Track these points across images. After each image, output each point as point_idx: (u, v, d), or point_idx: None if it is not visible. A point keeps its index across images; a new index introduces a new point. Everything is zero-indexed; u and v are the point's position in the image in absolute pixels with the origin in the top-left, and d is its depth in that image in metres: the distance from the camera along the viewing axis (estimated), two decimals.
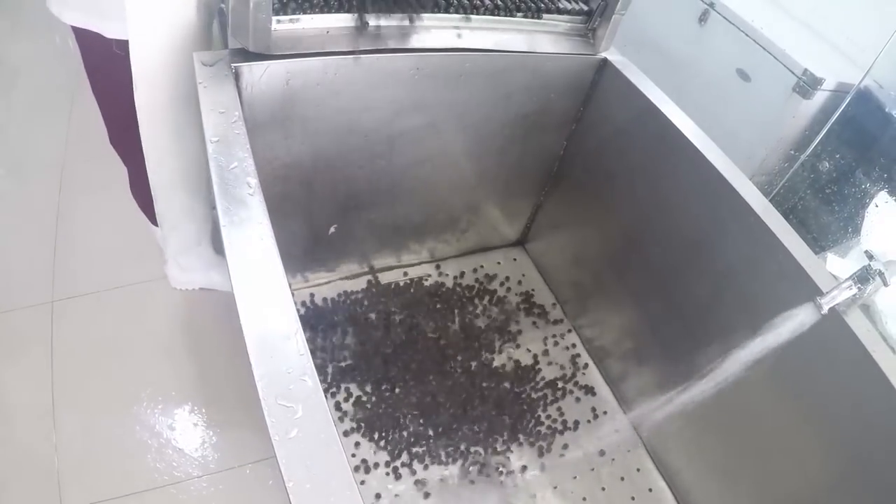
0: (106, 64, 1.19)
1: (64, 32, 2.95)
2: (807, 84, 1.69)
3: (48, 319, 1.63)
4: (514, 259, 1.62)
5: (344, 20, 1.04)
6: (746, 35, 1.85)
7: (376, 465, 1.25)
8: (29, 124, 2.32)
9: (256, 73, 1.01)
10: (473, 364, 1.42)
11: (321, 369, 1.34)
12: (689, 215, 1.18)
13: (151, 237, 1.83)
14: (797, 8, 2.12)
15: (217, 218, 0.77)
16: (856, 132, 1.70)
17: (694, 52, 1.99)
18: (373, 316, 1.45)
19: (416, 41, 1.07)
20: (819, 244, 1.66)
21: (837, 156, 1.72)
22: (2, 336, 1.59)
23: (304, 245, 1.35)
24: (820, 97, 1.71)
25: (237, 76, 1.00)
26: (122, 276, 1.76)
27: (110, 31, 1.12)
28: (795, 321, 0.96)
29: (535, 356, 1.47)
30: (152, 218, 1.57)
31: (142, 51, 1.11)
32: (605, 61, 1.26)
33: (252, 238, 0.74)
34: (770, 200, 1.78)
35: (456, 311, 1.50)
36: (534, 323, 1.53)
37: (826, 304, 0.91)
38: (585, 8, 1.22)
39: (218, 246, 1.71)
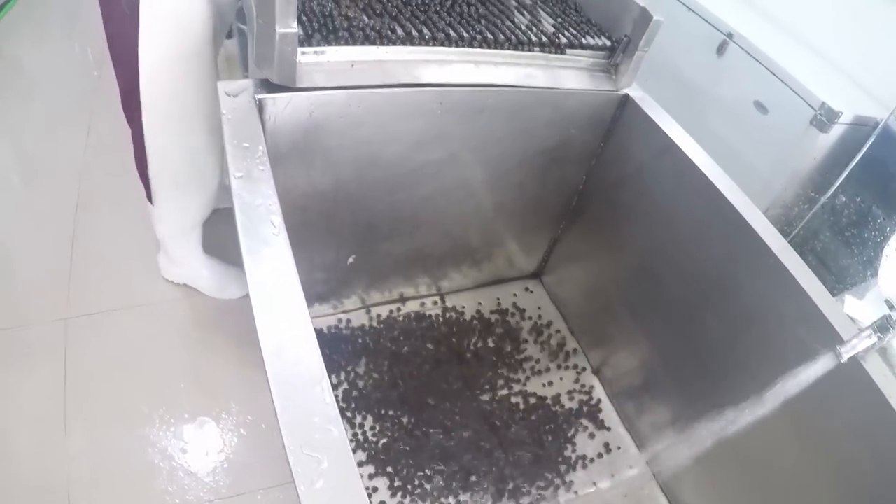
0: (118, 13, 1.25)
1: (83, 41, 3.00)
2: (824, 118, 1.69)
3: (62, 336, 1.63)
4: (531, 291, 1.62)
5: (368, 53, 1.04)
6: (764, 67, 1.85)
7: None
8: (47, 136, 2.34)
9: (280, 105, 1.02)
10: (488, 397, 1.41)
11: (338, 398, 1.34)
12: (707, 254, 1.17)
13: None
14: (814, 37, 2.13)
15: (240, 251, 0.77)
16: (877, 171, 1.69)
17: (712, 84, 1.99)
18: (389, 346, 1.45)
19: (440, 76, 1.07)
20: (837, 286, 1.65)
21: (858, 199, 1.72)
22: (15, 351, 1.59)
23: (322, 274, 1.35)
24: (837, 130, 1.71)
25: (261, 108, 1.00)
26: (138, 295, 1.76)
27: None
28: (813, 366, 0.96)
29: (550, 390, 1.46)
30: (149, 194, 1.59)
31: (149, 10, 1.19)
32: (626, 97, 1.26)
33: (277, 282, 0.74)
34: (789, 241, 1.80)
35: (472, 342, 1.49)
36: (549, 356, 1.52)
37: (846, 353, 0.90)
38: (608, 44, 1.23)
39: (207, 246, 1.74)
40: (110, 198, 2.04)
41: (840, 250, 1.79)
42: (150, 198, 1.59)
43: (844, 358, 0.90)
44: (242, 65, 2.20)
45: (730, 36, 1.95)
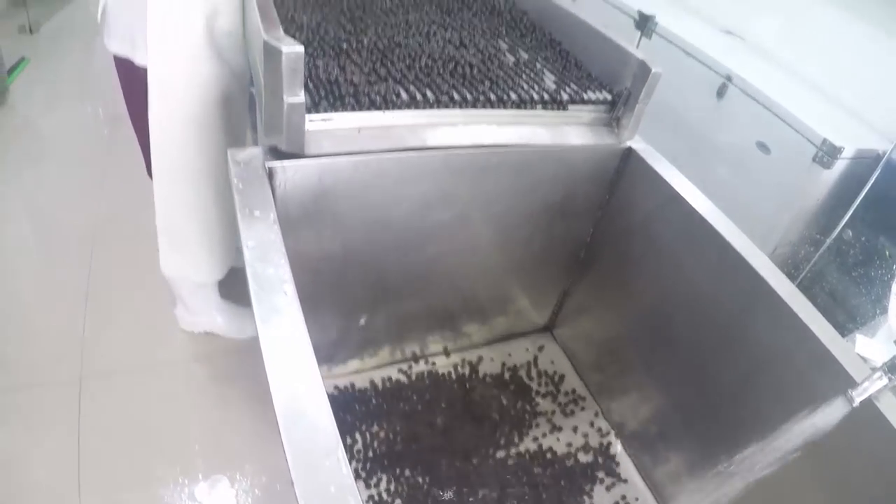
0: (136, 87, 1.36)
1: (95, 101, 3.07)
2: (826, 154, 1.71)
3: (76, 396, 1.65)
4: (542, 345, 1.62)
5: (375, 118, 1.06)
6: (764, 107, 1.87)
7: None
8: (60, 197, 2.38)
9: (289, 172, 1.04)
10: (503, 453, 1.40)
11: (353, 460, 1.33)
12: (716, 301, 1.17)
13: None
14: (812, 73, 2.16)
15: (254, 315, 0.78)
16: (882, 205, 1.70)
17: (713, 127, 2.02)
18: (403, 405, 1.44)
19: (445, 138, 1.09)
20: (848, 325, 1.64)
21: (863, 237, 1.73)
22: (29, 411, 1.61)
23: (335, 335, 1.36)
24: (840, 165, 1.72)
25: (271, 175, 1.02)
26: (151, 355, 1.78)
27: (139, 59, 1.33)
28: (828, 412, 0.95)
29: (565, 444, 1.44)
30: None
31: (156, 75, 1.30)
32: (629, 150, 1.28)
33: (291, 351, 0.75)
34: (798, 281, 1.79)
35: (485, 399, 1.48)
36: (563, 409, 1.51)
37: (858, 396, 0.90)
38: (609, 97, 1.25)
39: (224, 291, 1.76)
40: (123, 259, 2.08)
41: (849, 289, 1.78)
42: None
43: (857, 402, 0.90)
44: (251, 126, 2.23)
45: (729, 78, 1.98)
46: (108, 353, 1.77)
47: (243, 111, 1.57)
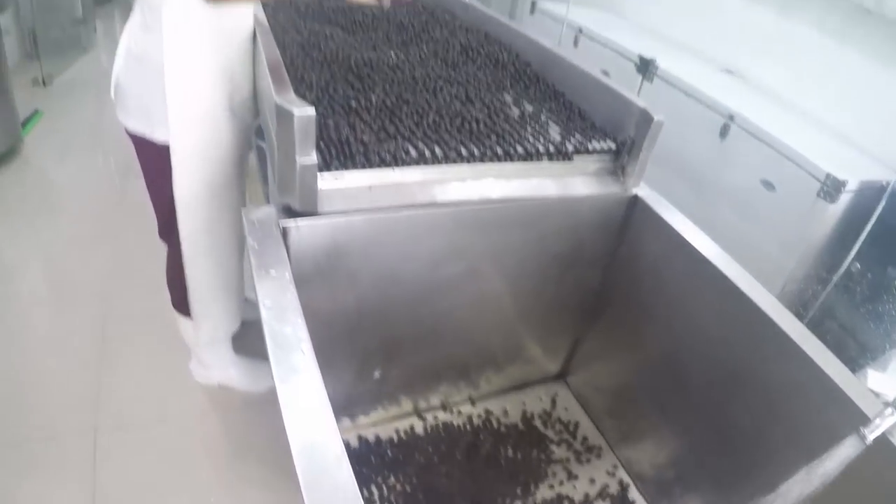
0: (154, 163, 1.38)
1: (107, 153, 3.12)
2: (831, 189, 1.72)
3: (91, 449, 1.65)
4: (556, 393, 1.62)
5: (385, 175, 1.09)
6: (767, 145, 1.89)
7: None
8: (74, 250, 2.41)
9: (303, 231, 1.06)
10: (520, 502, 1.39)
11: None
12: (727, 345, 1.18)
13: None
14: (811, 107, 2.20)
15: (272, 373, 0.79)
16: (889, 236, 1.71)
17: (717, 166, 2.04)
18: (418, 457, 1.44)
19: (454, 193, 1.12)
20: (859, 360, 1.64)
21: (869, 271, 1.73)
22: (44, 463, 1.60)
23: (348, 388, 1.37)
24: (844, 198, 1.74)
25: (285, 234, 1.04)
26: (165, 408, 1.78)
27: (157, 136, 1.33)
28: (841, 450, 0.95)
29: (582, 492, 1.43)
30: (180, 308, 1.67)
31: (180, 151, 1.32)
32: (635, 197, 1.30)
33: (310, 409, 0.75)
34: (809, 317, 1.79)
35: (500, 448, 1.48)
36: (578, 456, 1.51)
37: (870, 433, 0.90)
38: (614, 146, 1.27)
39: (236, 345, 1.79)
40: (137, 312, 2.09)
41: (859, 323, 1.78)
42: (179, 309, 1.64)
43: (870, 439, 0.90)
44: (262, 178, 2.28)
45: (731, 118, 2.01)
46: (123, 406, 1.77)
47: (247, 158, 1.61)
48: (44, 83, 3.75)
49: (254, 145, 2.31)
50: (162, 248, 1.59)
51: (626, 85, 2.28)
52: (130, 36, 1.31)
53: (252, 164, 2.49)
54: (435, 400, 1.53)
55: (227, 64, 1.31)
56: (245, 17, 1.31)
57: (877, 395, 0.97)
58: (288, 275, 0.94)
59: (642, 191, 1.30)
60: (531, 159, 1.18)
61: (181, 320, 1.69)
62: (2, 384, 1.80)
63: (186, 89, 1.27)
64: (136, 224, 2.54)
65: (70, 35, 4.19)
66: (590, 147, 1.25)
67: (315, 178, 1.01)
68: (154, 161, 1.37)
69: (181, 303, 1.63)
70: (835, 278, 1.79)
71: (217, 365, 1.80)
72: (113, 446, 1.66)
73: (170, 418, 1.76)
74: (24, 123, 3.20)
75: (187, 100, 1.28)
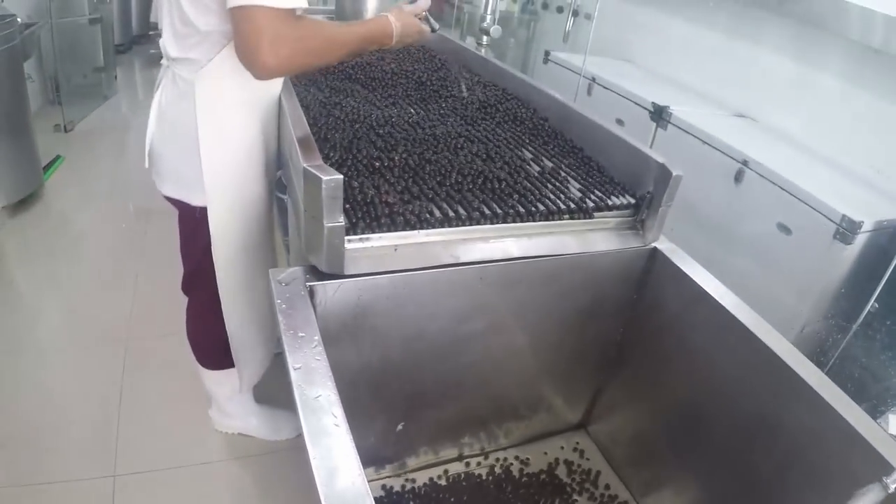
0: (190, 224, 1.41)
1: (126, 198, 3.17)
2: (847, 230, 1.73)
3: (110, 494, 1.65)
4: (577, 442, 1.62)
5: (410, 237, 1.11)
6: (782, 189, 1.90)
7: None
8: (94, 295, 2.43)
9: (330, 291, 1.08)
10: None
11: None
12: (748, 394, 1.18)
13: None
14: (824, 148, 2.22)
15: (304, 440, 0.80)
16: None
17: (733, 211, 2.05)
18: None
19: (478, 253, 1.14)
20: (879, 408, 1.63)
21: (890, 317, 1.73)
22: None
23: (372, 441, 1.38)
24: (861, 239, 1.74)
25: (311, 294, 1.06)
26: (185, 455, 1.78)
27: (193, 201, 1.35)
28: (864, 498, 0.94)
29: None
30: (202, 361, 1.69)
31: (217, 217, 1.34)
32: (654, 250, 1.31)
33: (342, 473, 0.76)
34: (829, 365, 1.78)
35: (522, 498, 1.48)
36: None
37: (892, 483, 0.90)
38: (633, 201, 1.29)
39: (258, 395, 1.81)
40: (156, 357, 2.11)
41: (880, 368, 1.78)
42: (202, 363, 1.66)
43: (892, 488, 0.90)
44: (282, 229, 2.30)
45: (745, 163, 2.02)
46: (143, 452, 1.78)
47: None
48: (65, 129, 3.83)
49: (274, 196, 2.34)
50: (180, 292, 1.61)
51: (641, 132, 2.32)
52: (162, 104, 1.34)
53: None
54: (457, 451, 1.53)
55: (259, 128, 1.33)
56: (275, 83, 1.34)
57: None
58: (317, 338, 0.96)
59: (662, 244, 1.32)
60: (553, 218, 1.20)
61: (204, 373, 1.71)
62: (22, 427, 1.81)
63: (221, 157, 1.30)
64: (155, 269, 2.57)
65: (92, 82, 4.29)
66: (609, 203, 1.27)
67: (342, 241, 1.04)
68: (190, 222, 1.40)
69: (203, 356, 1.66)
70: (855, 326, 1.79)
71: (238, 414, 1.81)
72: (132, 491, 1.66)
73: (189, 464, 1.77)
74: (46, 168, 3.26)
75: (223, 167, 1.31)
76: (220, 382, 1.71)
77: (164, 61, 1.35)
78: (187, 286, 1.58)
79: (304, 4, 1.08)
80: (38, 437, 1.79)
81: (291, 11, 1.06)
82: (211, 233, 1.35)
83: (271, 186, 1.48)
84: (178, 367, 2.03)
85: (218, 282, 1.43)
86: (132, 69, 5.35)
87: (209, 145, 1.27)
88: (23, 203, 2.93)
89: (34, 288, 2.47)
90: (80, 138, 3.80)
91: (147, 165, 1.42)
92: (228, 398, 1.76)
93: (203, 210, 1.34)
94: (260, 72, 1.08)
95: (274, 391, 1.85)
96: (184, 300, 1.61)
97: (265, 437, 1.82)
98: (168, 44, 1.28)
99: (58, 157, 3.46)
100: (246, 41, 1.06)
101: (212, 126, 1.26)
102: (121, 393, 1.97)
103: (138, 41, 5.87)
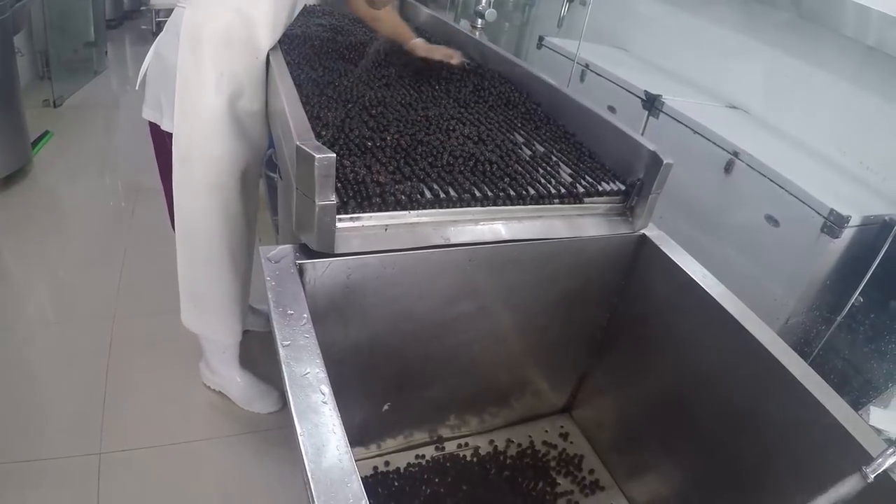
0: (165, 151, 1.51)
1: (115, 175, 3.15)
2: (834, 224, 1.75)
3: (95, 471, 1.65)
4: (561, 426, 1.63)
5: (400, 217, 1.11)
6: (771, 181, 1.92)
7: None
8: (81, 271, 2.42)
9: (319, 270, 1.08)
10: None
11: None
12: (732, 381, 1.20)
13: (200, 396, 1.89)
14: (815, 142, 2.23)
15: (292, 417, 0.81)
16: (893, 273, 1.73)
17: (722, 202, 2.06)
18: (424, 488, 1.45)
19: (468, 235, 1.14)
20: (861, 400, 1.65)
21: (874, 309, 1.75)
22: (48, 483, 1.61)
23: (358, 420, 1.38)
24: (848, 233, 1.76)
25: (301, 272, 1.06)
26: (171, 434, 1.79)
27: (166, 125, 1.49)
28: (843, 488, 0.96)
29: None
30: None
31: (181, 141, 1.43)
32: (643, 237, 1.32)
33: (329, 450, 0.76)
34: (813, 357, 1.80)
35: (506, 480, 1.49)
36: (582, 489, 1.52)
37: (871, 472, 0.91)
38: (623, 188, 1.30)
39: (244, 361, 1.85)
40: (143, 335, 2.10)
41: (863, 360, 1.80)
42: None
43: (871, 478, 0.91)
44: (270, 208, 2.30)
45: (735, 154, 2.03)
46: (129, 428, 1.78)
47: (257, 180, 1.67)
48: (54, 104, 3.79)
49: (263, 174, 2.34)
50: (168, 270, 1.61)
51: (633, 120, 2.33)
52: (160, 38, 1.47)
53: (261, 193, 2.51)
54: (442, 432, 1.54)
55: (233, 70, 1.40)
56: (261, 31, 1.41)
57: (879, 432, 0.99)
58: (306, 315, 0.96)
59: (650, 231, 1.33)
60: (543, 202, 1.20)
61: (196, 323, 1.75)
62: (6, 404, 1.81)
63: (192, 92, 1.38)
64: (143, 247, 2.57)
65: (82, 57, 4.25)
66: (600, 189, 1.27)
67: (333, 220, 1.04)
68: (163, 147, 1.52)
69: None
70: (839, 318, 1.81)
71: (220, 373, 1.86)
72: (118, 469, 1.67)
73: (175, 443, 1.77)
74: (34, 144, 3.23)
75: (191, 102, 1.39)
76: (199, 330, 1.75)
77: None
78: (173, 221, 1.61)
79: None
80: (23, 414, 1.79)
81: None
82: (173, 165, 1.44)
83: (252, 148, 1.52)
84: (166, 346, 2.03)
85: (175, 211, 1.51)
86: (123, 45, 5.30)
87: (183, 70, 1.37)
88: (10, 178, 2.91)
89: (21, 264, 2.46)
90: (69, 114, 3.77)
91: (137, 88, 1.58)
92: (212, 352, 1.81)
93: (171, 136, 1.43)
94: None
95: (255, 356, 1.90)
96: (172, 277, 1.61)
97: (239, 403, 1.87)
98: None
99: (46, 132, 3.43)
100: None
101: (190, 55, 1.36)
102: (107, 370, 1.96)
103: (129, 16, 5.81)
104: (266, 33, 1.42)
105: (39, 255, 2.51)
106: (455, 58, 1.74)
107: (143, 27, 5.67)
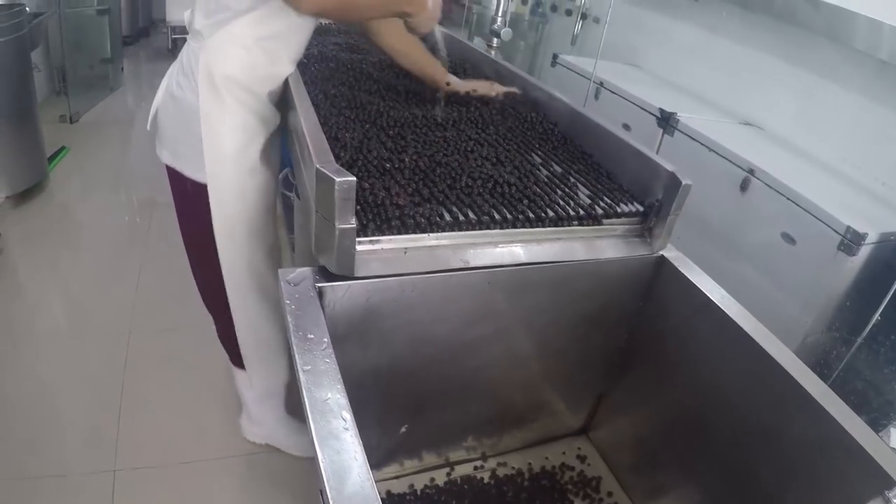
0: (185, 198, 1.44)
1: (130, 190, 3.17)
2: (851, 242, 1.73)
3: (110, 488, 1.66)
4: (579, 448, 1.62)
5: (420, 240, 1.11)
6: (787, 198, 1.91)
7: None
8: (96, 287, 2.44)
9: (339, 293, 1.08)
10: None
11: None
12: (750, 403, 1.18)
13: (215, 413, 1.88)
14: (829, 156, 2.22)
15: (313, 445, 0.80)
16: None
17: (738, 220, 2.06)
18: None
19: (487, 258, 1.14)
20: (881, 421, 1.64)
21: (893, 337, 1.73)
22: (62, 501, 1.61)
23: (374, 441, 1.37)
24: (865, 251, 1.74)
25: (321, 295, 1.06)
26: (185, 452, 1.79)
27: (186, 171, 1.40)
28: None
29: None
30: (235, 361, 1.68)
31: (218, 192, 1.37)
32: (662, 258, 1.31)
33: (351, 477, 0.76)
34: (833, 378, 1.79)
35: (524, 502, 1.47)
36: None
37: (894, 497, 0.91)
38: (641, 209, 1.29)
39: (290, 406, 1.79)
40: (158, 353, 2.11)
41: (882, 381, 1.78)
42: (235, 362, 1.67)
43: (893, 502, 0.90)
44: (287, 226, 2.31)
45: (751, 171, 2.03)
46: (144, 445, 1.79)
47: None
48: (71, 120, 3.83)
49: (279, 193, 2.34)
50: (183, 286, 1.61)
51: (647, 138, 2.32)
52: (171, 76, 1.39)
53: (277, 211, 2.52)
54: (459, 454, 1.53)
55: (258, 108, 1.37)
56: (282, 64, 1.39)
57: None
58: (326, 339, 0.96)
59: (669, 252, 1.32)
60: (562, 224, 1.20)
61: (236, 373, 1.71)
62: (21, 419, 1.82)
63: (217, 130, 1.33)
64: (159, 262, 2.58)
65: (98, 74, 4.30)
66: (618, 210, 1.27)
67: (353, 243, 1.04)
68: (184, 195, 1.44)
69: (232, 351, 1.65)
70: (860, 340, 1.79)
71: (266, 422, 1.80)
72: (132, 486, 1.67)
73: (191, 461, 1.77)
74: (51, 159, 3.27)
75: (218, 140, 1.34)
76: (249, 384, 1.70)
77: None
78: (200, 283, 1.58)
79: None
80: (38, 429, 1.79)
81: None
82: (212, 211, 1.38)
83: (273, 172, 1.49)
84: (181, 362, 2.03)
85: (221, 263, 1.44)
86: (139, 61, 5.36)
87: (208, 116, 1.31)
88: (27, 193, 2.94)
89: (37, 279, 2.48)
90: (85, 129, 3.81)
91: (149, 128, 1.47)
92: (257, 402, 1.74)
93: (196, 184, 1.37)
94: (301, 6, 1.17)
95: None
96: (187, 293, 1.62)
97: (292, 451, 1.81)
98: (194, 15, 1.32)
99: (63, 148, 3.46)
100: None
101: (212, 100, 1.30)
102: (122, 387, 1.97)
103: (145, 33, 5.88)
104: (287, 67, 1.40)
105: (55, 270, 2.53)
106: (495, 89, 1.67)
107: (159, 44, 5.73)
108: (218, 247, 1.42)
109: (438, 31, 1.52)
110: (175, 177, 1.43)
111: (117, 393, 1.95)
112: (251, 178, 1.41)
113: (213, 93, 1.30)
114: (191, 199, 1.41)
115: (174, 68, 1.40)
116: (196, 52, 1.31)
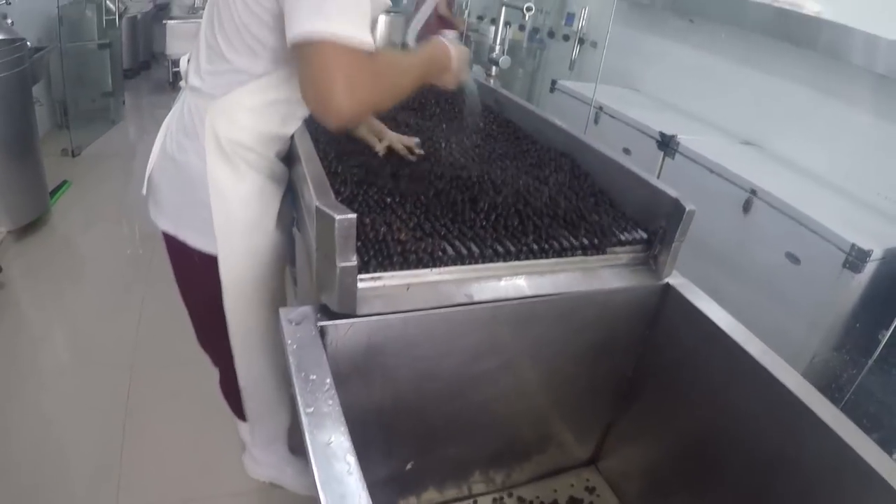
0: (185, 265, 1.35)
1: (132, 223, 3.16)
2: (856, 259, 1.72)
3: None
4: (587, 479, 1.59)
5: (422, 275, 1.10)
6: (790, 218, 1.90)
7: None
8: (98, 321, 2.43)
9: (341, 331, 1.06)
10: None
11: None
12: (761, 430, 1.16)
13: (219, 449, 1.86)
14: (831, 174, 2.21)
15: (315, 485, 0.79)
16: None
17: (742, 241, 2.05)
18: None
19: (491, 292, 1.13)
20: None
21: None
22: None
23: (379, 478, 1.35)
24: (870, 267, 1.73)
25: (322, 334, 1.05)
26: (189, 489, 1.77)
27: (188, 240, 1.30)
28: None
29: None
30: (238, 413, 1.64)
31: (229, 265, 1.27)
32: (667, 286, 1.30)
33: None
34: (844, 402, 1.77)
35: None
36: None
37: None
38: (645, 236, 1.28)
39: (293, 445, 1.76)
40: (162, 385, 2.10)
41: (894, 404, 1.76)
42: (237, 414, 1.64)
43: None
44: (289, 258, 2.29)
45: (753, 192, 2.02)
46: (146, 482, 1.77)
47: None
48: (73, 154, 3.85)
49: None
50: (186, 320, 1.57)
51: (648, 162, 2.32)
52: (169, 135, 1.27)
53: None
54: (466, 489, 1.51)
55: (270, 165, 1.29)
56: (292, 123, 1.29)
57: None
58: (329, 380, 0.94)
59: (674, 279, 1.31)
60: (566, 254, 1.19)
61: (239, 423, 1.69)
62: (22, 455, 1.80)
63: (230, 198, 1.24)
64: (161, 296, 2.56)
65: (100, 107, 4.33)
66: (622, 238, 1.26)
67: (355, 281, 1.03)
68: (185, 263, 1.34)
69: (235, 406, 1.63)
70: (870, 361, 1.77)
71: (271, 463, 1.77)
72: None
73: (194, 498, 1.75)
74: (53, 193, 3.28)
75: (230, 208, 1.24)
76: (251, 433, 1.69)
77: (182, 83, 1.29)
78: (203, 341, 1.54)
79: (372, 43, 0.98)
80: (38, 465, 1.77)
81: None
82: (223, 286, 1.30)
83: (287, 232, 1.43)
84: (184, 397, 2.02)
85: (230, 338, 1.39)
86: (140, 94, 5.40)
87: (218, 186, 1.22)
88: (29, 227, 2.94)
89: (39, 312, 2.47)
90: (87, 163, 3.82)
91: (144, 192, 1.36)
92: (262, 444, 1.72)
93: (203, 255, 1.28)
94: (334, 119, 0.97)
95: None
96: (189, 328, 1.59)
97: (298, 490, 1.77)
98: (192, 69, 1.22)
99: (65, 181, 3.47)
100: (316, 83, 0.96)
101: (222, 166, 1.21)
102: (125, 422, 1.95)
103: (146, 66, 5.93)
104: (297, 125, 1.31)
105: (57, 304, 2.52)
106: (403, 141, 1.50)
107: (160, 76, 5.77)
108: (227, 314, 1.35)
109: (472, 82, 1.46)
110: (176, 246, 1.32)
111: (119, 428, 1.93)
112: (265, 241, 1.32)
113: (223, 158, 1.20)
114: (196, 270, 1.31)
115: (171, 126, 1.28)
116: (199, 110, 1.19)
